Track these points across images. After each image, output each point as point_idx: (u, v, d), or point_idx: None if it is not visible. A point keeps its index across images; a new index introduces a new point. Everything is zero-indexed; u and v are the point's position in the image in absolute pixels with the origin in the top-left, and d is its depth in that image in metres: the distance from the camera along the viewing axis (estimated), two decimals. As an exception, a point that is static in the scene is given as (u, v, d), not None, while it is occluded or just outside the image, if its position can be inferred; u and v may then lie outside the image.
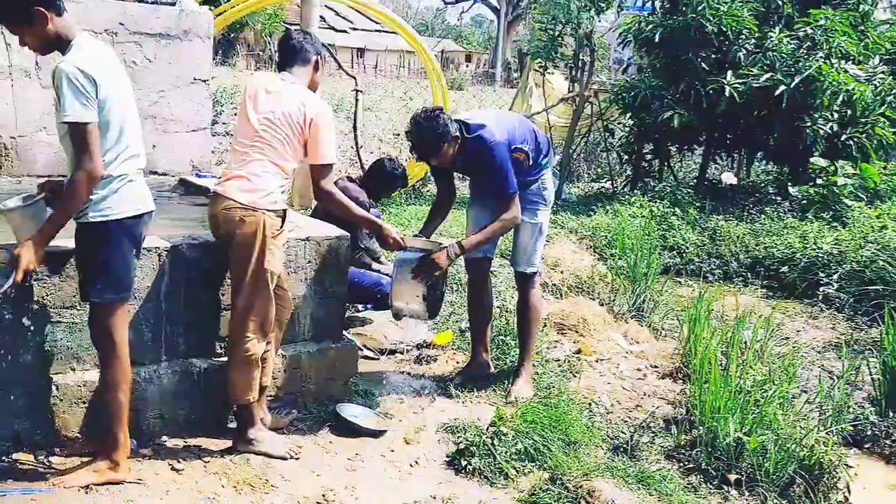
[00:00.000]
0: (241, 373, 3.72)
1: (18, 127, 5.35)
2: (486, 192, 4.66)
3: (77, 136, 3.14)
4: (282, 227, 3.77)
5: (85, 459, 3.51)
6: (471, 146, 4.40)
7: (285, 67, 3.87)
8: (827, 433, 4.10)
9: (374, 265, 5.90)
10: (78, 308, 3.52)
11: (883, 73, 10.10)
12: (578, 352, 5.47)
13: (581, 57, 11.70)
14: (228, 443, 3.83)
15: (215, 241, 3.84)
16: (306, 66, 3.89)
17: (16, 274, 3.11)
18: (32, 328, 3.48)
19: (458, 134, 4.36)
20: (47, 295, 3.47)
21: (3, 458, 3.46)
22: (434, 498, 3.66)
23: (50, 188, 3.39)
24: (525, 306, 4.85)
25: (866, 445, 4.49)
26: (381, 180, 5.78)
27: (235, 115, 14.61)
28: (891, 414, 4.65)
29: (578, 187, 12.43)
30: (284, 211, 3.80)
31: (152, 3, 5.77)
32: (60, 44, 3.19)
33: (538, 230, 4.75)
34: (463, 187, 10.65)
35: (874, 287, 6.70)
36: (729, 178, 11.88)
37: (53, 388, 3.56)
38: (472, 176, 4.88)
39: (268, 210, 3.65)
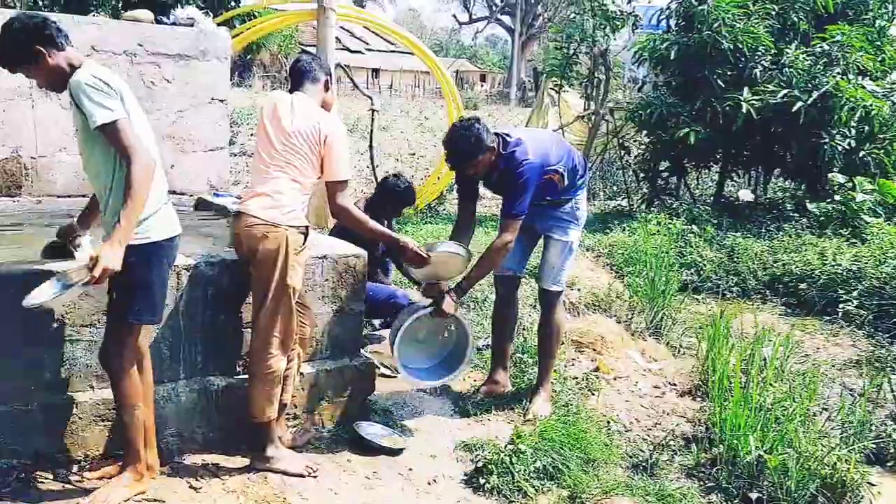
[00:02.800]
0: (261, 390, 3.73)
1: (38, 147, 5.40)
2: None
3: (115, 134, 3.15)
4: (304, 244, 3.80)
5: (103, 476, 3.52)
6: (503, 162, 4.40)
7: (297, 88, 3.95)
8: (849, 451, 4.05)
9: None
10: (97, 326, 3.54)
11: (901, 88, 10.06)
12: (596, 369, 5.44)
13: (596, 75, 11.74)
14: (246, 461, 3.83)
15: (233, 259, 3.86)
16: (317, 85, 3.98)
17: (92, 272, 2.99)
18: (52, 346, 3.50)
19: (493, 145, 4.35)
20: (67, 313, 3.49)
21: (23, 475, 3.47)
22: (452, 516, 3.65)
23: (71, 234, 3.57)
24: (547, 324, 4.83)
25: (889, 463, 4.42)
26: (388, 197, 5.79)
27: (252, 135, 14.80)
28: (914, 431, 4.60)
29: (595, 205, 12.40)
30: (307, 227, 3.82)
31: (171, 24, 5.82)
32: (67, 76, 3.23)
33: (568, 249, 4.72)
34: (487, 206, 10.66)
35: (894, 304, 6.64)
36: (746, 194, 11.83)
37: (73, 405, 3.57)
38: (502, 194, 4.85)
39: (290, 226, 3.68)
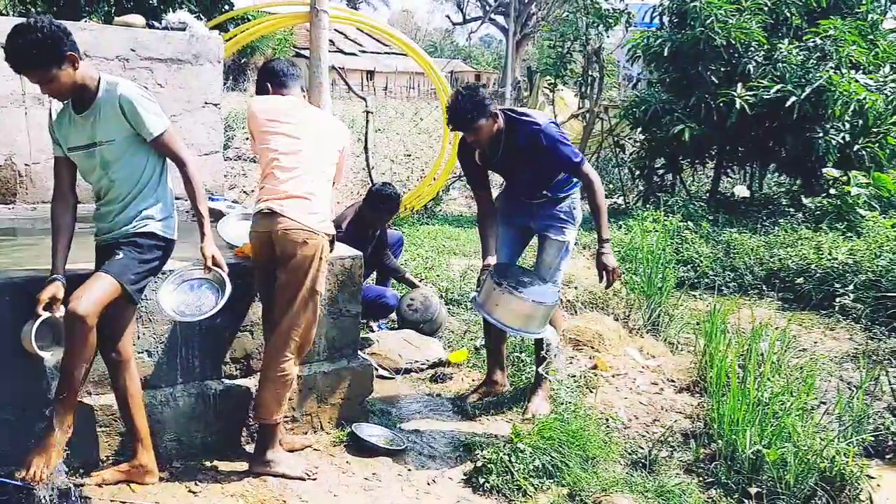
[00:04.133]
0: (273, 391, 3.74)
1: (32, 154, 5.39)
2: (521, 193, 4.62)
3: (170, 140, 3.41)
4: (331, 251, 3.89)
5: (103, 482, 3.53)
6: (521, 130, 4.34)
7: (285, 90, 3.96)
8: (847, 444, 4.05)
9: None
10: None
11: (894, 81, 10.06)
12: (594, 367, 5.45)
13: (590, 73, 11.77)
14: (245, 465, 3.83)
15: (230, 262, 3.86)
16: (303, 92, 4.09)
17: (221, 267, 3.48)
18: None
19: (497, 112, 4.31)
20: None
21: (23, 483, 3.46)
22: (452, 516, 3.65)
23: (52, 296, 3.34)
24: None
25: (888, 456, 4.42)
26: (374, 204, 5.77)
27: (247, 139, 14.71)
28: (912, 423, 4.61)
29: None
30: (333, 235, 3.88)
31: (163, 28, 5.81)
32: (86, 88, 3.32)
33: (564, 249, 4.66)
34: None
35: (891, 296, 6.64)
36: (742, 190, 11.84)
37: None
38: (515, 169, 4.61)
39: (325, 233, 3.75)
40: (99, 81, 3.34)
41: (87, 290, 3.22)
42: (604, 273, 4.40)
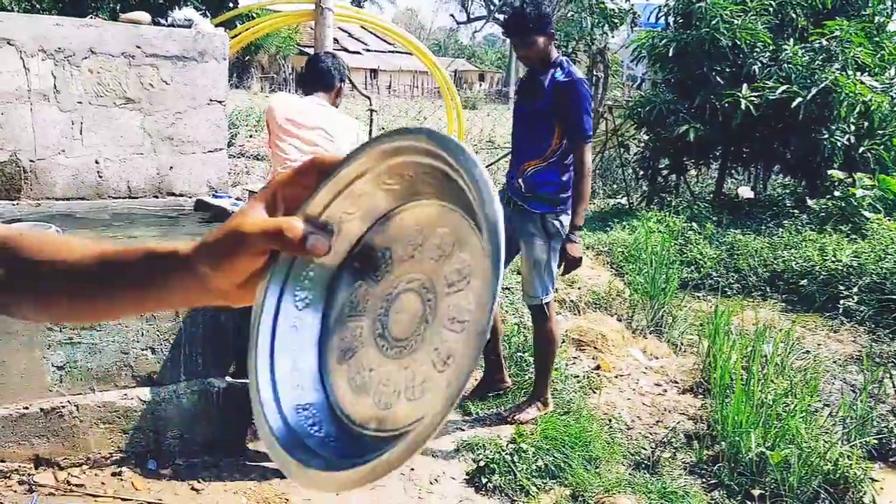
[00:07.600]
0: None
1: (37, 150, 5.39)
2: (513, 159, 4.50)
3: None
4: None
5: (105, 476, 3.53)
6: (565, 71, 4.20)
7: (314, 90, 4.03)
8: (851, 447, 4.05)
9: None
10: (97, 329, 3.54)
11: (900, 83, 10.07)
12: (597, 368, 5.44)
13: (595, 73, 11.76)
14: (248, 462, 3.83)
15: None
16: (330, 92, 4.15)
17: None
18: (52, 350, 3.49)
19: (554, 34, 4.19)
20: (67, 316, 3.48)
21: (25, 478, 3.47)
22: (454, 516, 3.64)
23: None
24: (535, 337, 4.66)
25: (891, 459, 4.42)
26: None
27: (251, 136, 14.69)
28: (916, 427, 4.60)
29: (595, 203, 12.40)
30: None
31: (168, 25, 5.81)
32: None
33: (534, 262, 4.41)
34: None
35: (895, 299, 6.63)
36: (746, 191, 11.83)
37: (73, 408, 3.57)
38: (526, 104, 4.37)
39: None
40: None
41: None
42: (564, 262, 4.35)
